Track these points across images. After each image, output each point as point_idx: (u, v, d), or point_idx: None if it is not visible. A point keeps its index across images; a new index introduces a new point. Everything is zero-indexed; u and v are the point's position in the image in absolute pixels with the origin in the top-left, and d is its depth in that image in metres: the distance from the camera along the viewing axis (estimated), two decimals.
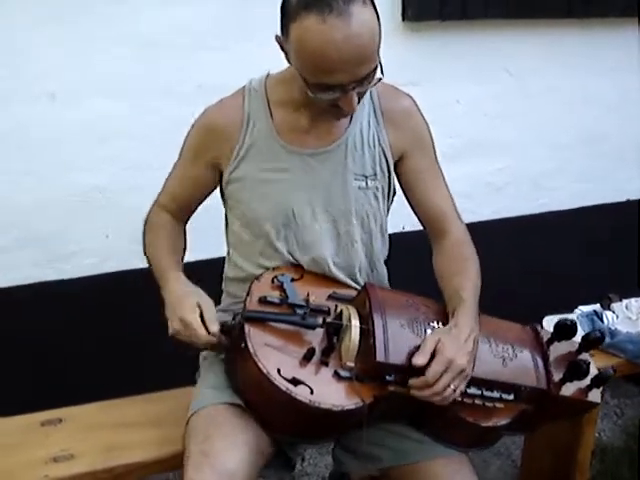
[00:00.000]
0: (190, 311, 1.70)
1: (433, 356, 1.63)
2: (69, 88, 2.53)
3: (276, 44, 1.68)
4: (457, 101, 3.14)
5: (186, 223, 2.06)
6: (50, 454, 1.91)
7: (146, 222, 2.01)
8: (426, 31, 2.99)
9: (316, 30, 1.52)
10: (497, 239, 3.16)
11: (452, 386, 1.63)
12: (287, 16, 1.59)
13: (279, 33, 1.65)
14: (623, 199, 3.69)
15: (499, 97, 3.23)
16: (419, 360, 1.63)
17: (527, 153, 3.37)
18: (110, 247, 2.71)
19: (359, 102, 1.68)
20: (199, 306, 1.72)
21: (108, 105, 2.58)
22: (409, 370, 1.64)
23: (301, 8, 1.54)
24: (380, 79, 1.66)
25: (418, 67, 2.99)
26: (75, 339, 2.71)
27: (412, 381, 1.63)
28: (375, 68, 1.62)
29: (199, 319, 1.69)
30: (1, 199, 2.54)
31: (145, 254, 1.97)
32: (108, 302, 2.73)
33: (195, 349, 1.81)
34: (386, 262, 2.04)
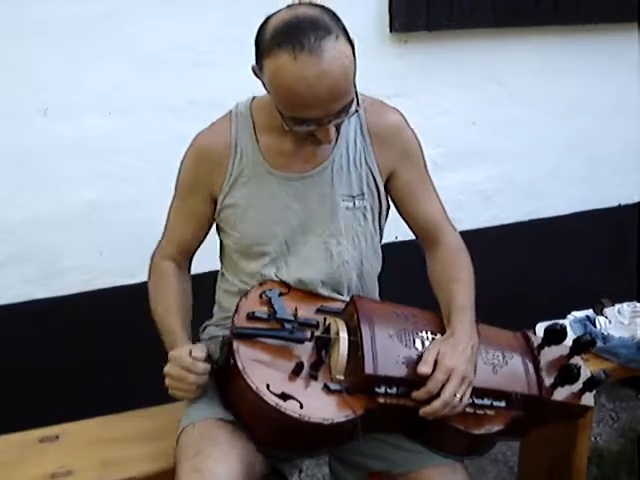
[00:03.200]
0: (182, 350, 1.74)
1: (434, 366, 1.64)
2: (63, 103, 2.54)
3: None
4: (446, 110, 3.16)
5: (190, 266, 2.05)
6: (48, 471, 1.90)
7: (150, 271, 1.99)
8: (414, 42, 3.01)
9: (288, 68, 1.54)
10: (489, 247, 3.17)
11: (458, 395, 1.63)
12: (261, 51, 1.61)
13: (254, 64, 1.67)
14: (615, 204, 3.71)
15: (488, 106, 3.25)
16: (424, 369, 1.64)
17: (517, 160, 3.39)
18: (104, 263, 2.71)
19: (338, 131, 1.71)
20: (190, 349, 1.74)
21: (102, 121, 2.59)
22: (402, 381, 1.65)
23: (274, 44, 1.56)
24: (356, 111, 1.68)
25: (406, 77, 3.01)
26: (69, 355, 2.71)
27: (415, 394, 1.64)
28: (351, 101, 1.64)
29: (188, 355, 1.72)
30: None
31: (150, 306, 1.95)
32: (102, 318, 2.73)
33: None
34: (378, 276, 2.05)
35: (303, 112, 1.60)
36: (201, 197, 1.92)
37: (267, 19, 1.63)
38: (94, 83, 2.55)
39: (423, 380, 1.63)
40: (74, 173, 2.61)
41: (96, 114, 2.58)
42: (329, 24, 1.57)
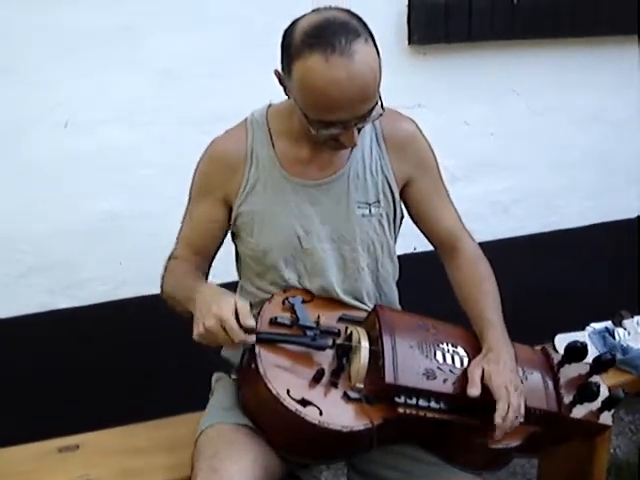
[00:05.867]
0: (227, 309, 1.62)
1: (484, 387, 1.67)
2: (83, 116, 2.56)
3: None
4: (464, 122, 3.16)
5: (208, 269, 2.01)
6: None
7: (163, 276, 1.97)
8: (432, 54, 3.02)
9: (319, 70, 1.55)
10: (507, 258, 3.15)
11: (516, 404, 1.67)
12: (290, 54, 1.61)
13: (279, 68, 1.68)
14: (634, 216, 3.69)
15: (506, 117, 3.25)
16: (474, 392, 1.67)
17: (535, 172, 3.38)
18: (124, 274, 2.73)
19: (359, 134, 1.71)
20: (235, 302, 1.65)
21: (122, 132, 2.61)
22: (421, 392, 1.66)
23: (305, 47, 1.57)
24: (381, 114, 1.69)
25: (425, 89, 3.02)
26: (89, 365, 2.72)
27: (498, 433, 1.66)
28: (376, 104, 1.65)
29: (233, 314, 1.62)
30: (15, 227, 2.57)
31: (164, 298, 1.93)
32: (122, 328, 2.74)
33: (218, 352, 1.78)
34: (397, 283, 2.05)
35: (331, 114, 1.61)
36: (215, 201, 1.91)
37: (294, 22, 1.64)
38: (114, 96, 2.57)
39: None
40: (94, 185, 2.63)
41: (116, 126, 2.60)
42: (358, 27, 1.59)
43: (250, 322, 1.63)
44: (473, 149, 3.19)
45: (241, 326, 1.61)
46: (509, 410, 1.65)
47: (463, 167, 3.14)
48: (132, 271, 2.70)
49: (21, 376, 2.65)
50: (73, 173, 2.59)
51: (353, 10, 1.65)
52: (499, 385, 1.66)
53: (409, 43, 2.95)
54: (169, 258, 1.99)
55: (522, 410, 1.69)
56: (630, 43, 3.39)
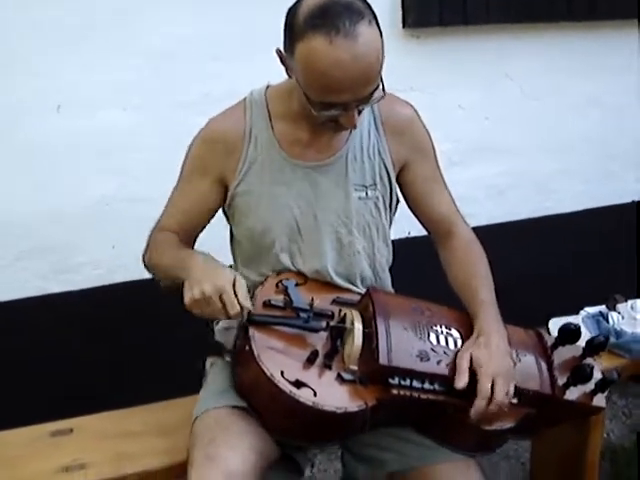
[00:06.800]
0: (227, 280, 1.63)
1: (473, 373, 1.67)
2: (76, 100, 2.55)
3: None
4: (459, 106, 3.16)
5: (192, 246, 1.99)
6: (61, 464, 1.92)
7: (148, 245, 1.95)
8: (427, 37, 3.01)
9: (323, 51, 1.54)
10: (502, 242, 3.16)
11: (504, 391, 1.66)
12: (293, 35, 1.60)
13: (281, 48, 1.66)
14: (629, 200, 3.70)
15: (501, 101, 3.25)
16: (461, 382, 1.66)
17: (530, 156, 3.38)
18: (117, 258, 2.73)
19: (359, 116, 1.70)
20: (235, 279, 1.65)
21: (115, 116, 2.61)
22: (415, 374, 1.66)
23: (308, 28, 1.55)
24: (382, 96, 1.68)
25: (419, 73, 3.01)
26: (83, 349, 2.73)
27: (473, 412, 1.65)
28: (378, 86, 1.64)
29: (233, 290, 1.63)
30: (8, 211, 2.57)
31: (150, 270, 1.93)
32: (116, 313, 2.74)
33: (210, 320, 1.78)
34: (390, 269, 2.05)
35: (333, 96, 1.60)
36: (209, 181, 1.90)
37: (297, 2, 1.63)
38: (108, 78, 2.56)
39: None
40: (88, 169, 2.62)
41: (110, 109, 2.60)
42: (362, 8, 1.58)
43: (247, 303, 1.64)
44: (467, 133, 3.19)
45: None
46: (489, 404, 1.65)
47: (458, 151, 3.14)
48: (126, 255, 2.69)
49: (15, 360, 2.65)
50: (67, 157, 2.58)
51: None
52: (487, 376, 1.65)
53: (403, 26, 2.95)
54: (153, 230, 1.97)
55: (511, 394, 1.68)
56: (627, 27, 3.39)
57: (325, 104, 1.63)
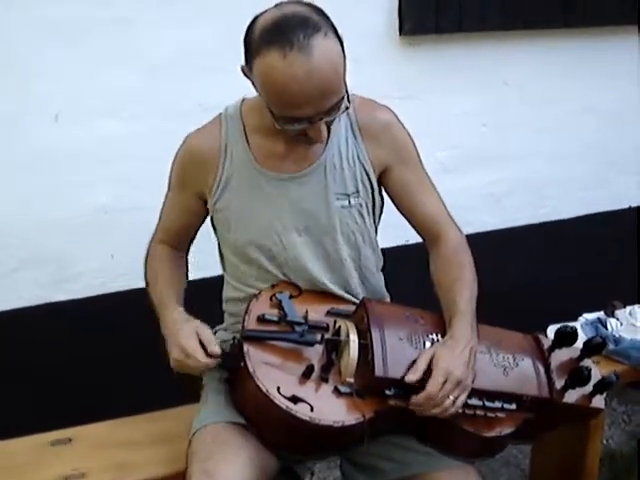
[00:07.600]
0: (188, 337, 1.73)
1: (430, 370, 1.65)
2: (73, 109, 2.56)
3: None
4: (455, 113, 3.16)
5: (187, 252, 2.08)
6: (61, 473, 1.92)
7: (146, 259, 2.03)
8: (423, 45, 3.01)
9: (278, 66, 1.54)
10: (499, 250, 3.17)
11: (451, 397, 1.64)
12: (250, 51, 1.61)
13: (244, 64, 1.67)
14: (626, 206, 3.70)
15: (498, 108, 3.25)
16: (412, 377, 1.65)
17: (527, 163, 3.39)
18: (116, 267, 2.73)
19: (329, 129, 1.71)
20: (197, 332, 1.73)
21: (112, 125, 2.61)
22: (408, 385, 1.65)
23: (263, 43, 1.56)
24: (347, 108, 1.68)
25: (416, 80, 3.01)
26: (82, 358, 2.72)
27: (414, 398, 1.64)
28: (342, 98, 1.64)
29: (198, 344, 1.71)
30: (7, 220, 2.57)
31: (147, 289, 1.99)
32: (115, 322, 2.74)
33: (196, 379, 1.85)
34: (383, 270, 2.05)
35: (294, 111, 1.60)
36: (189, 195, 1.94)
37: (255, 18, 1.63)
38: (105, 88, 2.57)
39: (422, 384, 1.65)
40: (86, 178, 2.62)
41: (107, 119, 2.60)
42: (317, 21, 1.57)
43: (215, 349, 1.71)
44: (465, 140, 3.19)
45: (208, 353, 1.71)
46: (432, 399, 1.63)
47: (454, 158, 3.14)
48: (125, 264, 2.70)
49: (14, 369, 2.65)
50: (65, 166, 2.58)
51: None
52: (441, 371, 1.64)
53: (400, 34, 2.94)
54: (151, 241, 2.05)
55: (459, 403, 1.67)
56: (623, 34, 3.39)
57: (288, 118, 1.64)
